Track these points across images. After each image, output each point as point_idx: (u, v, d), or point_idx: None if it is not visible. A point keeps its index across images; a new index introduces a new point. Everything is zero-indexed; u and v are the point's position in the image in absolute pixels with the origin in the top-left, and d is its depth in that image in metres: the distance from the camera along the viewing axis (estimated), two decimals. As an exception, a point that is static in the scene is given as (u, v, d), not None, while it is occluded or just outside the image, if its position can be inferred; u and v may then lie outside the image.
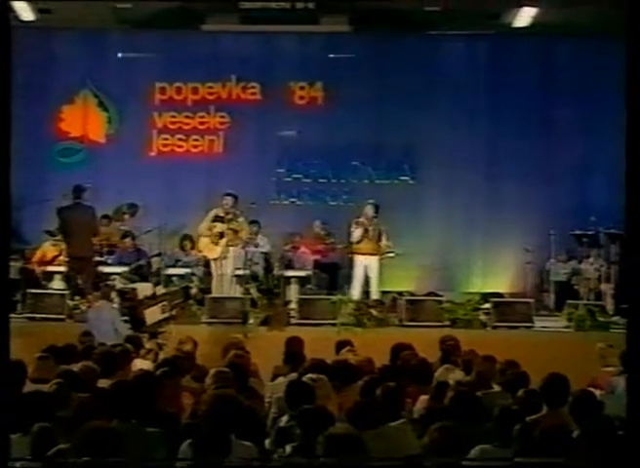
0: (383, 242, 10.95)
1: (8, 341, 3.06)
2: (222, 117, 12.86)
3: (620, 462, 4.54)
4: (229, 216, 10.78)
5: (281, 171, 12.73)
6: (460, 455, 4.13)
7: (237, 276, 10.85)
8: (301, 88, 12.81)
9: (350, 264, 11.17)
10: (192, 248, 11.39)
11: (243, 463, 4.23)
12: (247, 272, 11.00)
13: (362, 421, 4.69)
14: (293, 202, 12.76)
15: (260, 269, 11.39)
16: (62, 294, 10.24)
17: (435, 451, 4.10)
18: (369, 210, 10.99)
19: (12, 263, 11.07)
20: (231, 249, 10.77)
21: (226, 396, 4.95)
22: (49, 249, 11.28)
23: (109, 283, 10.41)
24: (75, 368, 6.17)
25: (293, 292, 10.82)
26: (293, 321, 10.08)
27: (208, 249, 10.83)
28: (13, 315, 10.20)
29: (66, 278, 10.72)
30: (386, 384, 5.40)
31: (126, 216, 11.75)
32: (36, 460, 4.33)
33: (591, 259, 11.35)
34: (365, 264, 10.95)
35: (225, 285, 10.72)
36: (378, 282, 10.97)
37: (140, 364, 7.16)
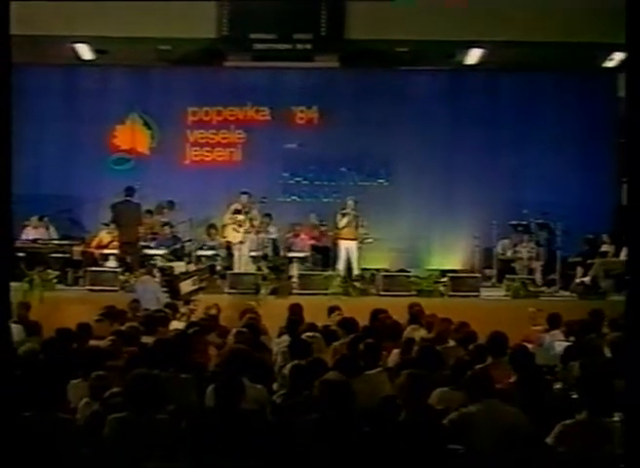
0: (360, 229, 10.97)
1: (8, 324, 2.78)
2: (240, 134, 12.75)
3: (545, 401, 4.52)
4: (246, 209, 10.85)
5: (285, 175, 12.65)
6: (424, 397, 4.08)
7: (252, 256, 10.85)
8: (301, 111, 12.71)
9: (337, 247, 11.15)
10: (216, 234, 11.33)
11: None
12: (259, 253, 10.98)
13: (349, 370, 4.66)
14: (294, 199, 12.68)
15: (269, 251, 11.34)
16: (115, 271, 10.20)
17: (406, 393, 4.05)
18: (350, 203, 10.99)
19: (75, 248, 11.04)
20: (248, 235, 10.80)
21: (240, 350, 4.92)
22: (105, 236, 11.20)
23: (152, 262, 10.37)
24: (124, 327, 6.13)
25: (294, 269, 10.79)
26: (294, 291, 10.06)
27: (231, 235, 10.86)
28: (76, 287, 10.24)
29: (118, 258, 10.66)
30: (367, 341, 5.36)
31: (165, 211, 11.66)
32: (94, 401, 4.29)
33: (524, 243, 11.30)
34: (346, 247, 10.94)
35: (243, 263, 10.72)
36: (357, 261, 10.95)
37: (176, 324, 7.13)
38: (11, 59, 2.57)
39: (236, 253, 10.80)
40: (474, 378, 4.29)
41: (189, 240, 11.25)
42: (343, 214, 10.90)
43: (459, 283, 10.28)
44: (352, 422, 3.79)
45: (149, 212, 11.35)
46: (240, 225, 10.74)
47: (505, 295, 10.30)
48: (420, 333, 6.55)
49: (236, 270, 10.53)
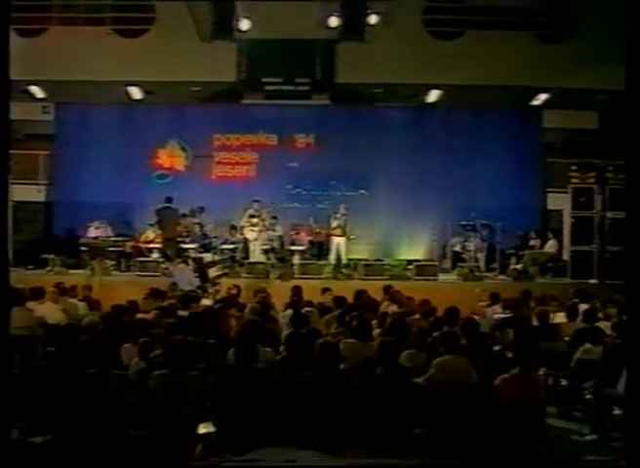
0: (348, 229, 10.99)
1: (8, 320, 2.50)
2: (254, 155, 12.68)
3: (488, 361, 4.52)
4: (258, 214, 10.89)
5: (289, 187, 12.58)
6: (395, 357, 4.08)
7: (263, 249, 10.83)
8: (301, 138, 12.65)
9: (329, 243, 11.16)
10: (236, 233, 11.31)
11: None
12: (269, 247, 10.96)
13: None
14: (296, 205, 12.60)
15: (276, 245, 11.31)
16: (158, 261, 10.19)
17: (380, 355, 4.05)
18: (342, 209, 11.02)
19: (127, 243, 11.02)
20: (260, 233, 10.82)
21: (254, 321, 4.91)
22: (150, 234, 11.17)
23: (187, 254, 10.33)
24: (165, 304, 6.11)
25: (296, 259, 10.77)
26: (296, 276, 10.02)
27: (247, 233, 10.91)
28: (127, 273, 10.22)
29: (161, 251, 10.63)
30: (352, 314, 5.36)
31: (197, 214, 11.57)
32: (141, 360, 4.27)
33: (471, 239, 11.29)
34: (337, 242, 10.96)
35: (256, 255, 10.73)
36: (345, 253, 10.95)
37: (205, 301, 7.12)
38: (9, 63, 2.33)
39: (251, 247, 10.85)
40: (433, 343, 4.31)
41: (215, 237, 11.21)
42: (336, 217, 10.96)
43: (421, 269, 10.27)
44: (341, 376, 3.79)
45: (185, 215, 11.29)
46: (254, 226, 10.87)
47: (457, 279, 10.32)
48: (393, 308, 6.56)
49: (251, 260, 10.53)
